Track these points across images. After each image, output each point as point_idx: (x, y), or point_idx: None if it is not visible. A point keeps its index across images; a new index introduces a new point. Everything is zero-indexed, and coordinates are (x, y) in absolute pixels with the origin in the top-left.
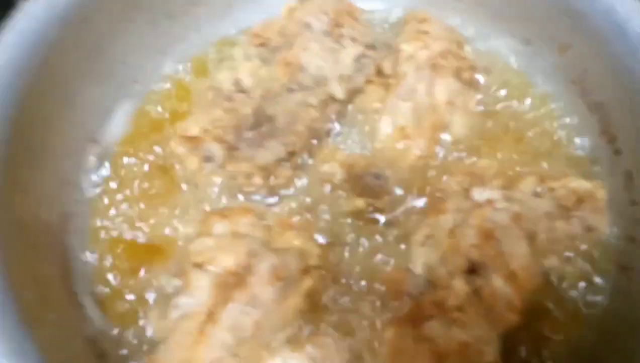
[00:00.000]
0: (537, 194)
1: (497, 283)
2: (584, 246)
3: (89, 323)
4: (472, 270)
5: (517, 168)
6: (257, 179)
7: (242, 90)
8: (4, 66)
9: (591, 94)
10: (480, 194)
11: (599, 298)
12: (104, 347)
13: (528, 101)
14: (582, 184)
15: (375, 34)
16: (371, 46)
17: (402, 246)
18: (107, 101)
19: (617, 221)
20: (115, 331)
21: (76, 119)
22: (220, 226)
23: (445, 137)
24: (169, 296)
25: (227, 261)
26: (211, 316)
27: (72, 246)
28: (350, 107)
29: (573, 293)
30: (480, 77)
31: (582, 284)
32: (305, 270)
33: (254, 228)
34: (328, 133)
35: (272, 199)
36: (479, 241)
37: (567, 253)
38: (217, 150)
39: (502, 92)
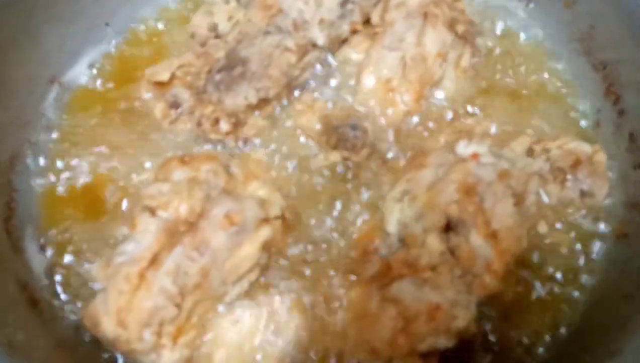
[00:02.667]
0: (530, 154)
1: (476, 241)
2: (578, 213)
3: (26, 268)
4: (449, 227)
5: (511, 127)
6: (224, 125)
7: (218, 35)
8: None
9: (597, 53)
10: (465, 147)
11: (591, 269)
12: (38, 295)
13: (527, 60)
14: (580, 146)
15: None
16: None
17: (378, 204)
18: (74, 42)
19: (618, 186)
20: (54, 278)
21: (37, 56)
22: (179, 173)
23: (434, 93)
24: (117, 243)
25: (180, 206)
26: (154, 261)
27: (18, 188)
28: (332, 56)
29: (562, 263)
30: (476, 33)
31: (573, 254)
32: (265, 220)
33: (216, 175)
34: (306, 83)
35: (240, 150)
36: (459, 197)
37: (559, 220)
38: (184, 96)
39: (499, 50)
